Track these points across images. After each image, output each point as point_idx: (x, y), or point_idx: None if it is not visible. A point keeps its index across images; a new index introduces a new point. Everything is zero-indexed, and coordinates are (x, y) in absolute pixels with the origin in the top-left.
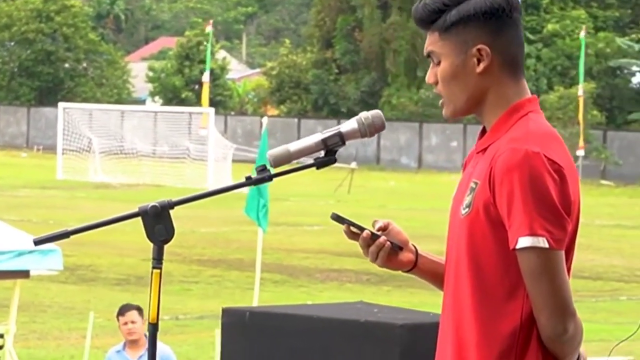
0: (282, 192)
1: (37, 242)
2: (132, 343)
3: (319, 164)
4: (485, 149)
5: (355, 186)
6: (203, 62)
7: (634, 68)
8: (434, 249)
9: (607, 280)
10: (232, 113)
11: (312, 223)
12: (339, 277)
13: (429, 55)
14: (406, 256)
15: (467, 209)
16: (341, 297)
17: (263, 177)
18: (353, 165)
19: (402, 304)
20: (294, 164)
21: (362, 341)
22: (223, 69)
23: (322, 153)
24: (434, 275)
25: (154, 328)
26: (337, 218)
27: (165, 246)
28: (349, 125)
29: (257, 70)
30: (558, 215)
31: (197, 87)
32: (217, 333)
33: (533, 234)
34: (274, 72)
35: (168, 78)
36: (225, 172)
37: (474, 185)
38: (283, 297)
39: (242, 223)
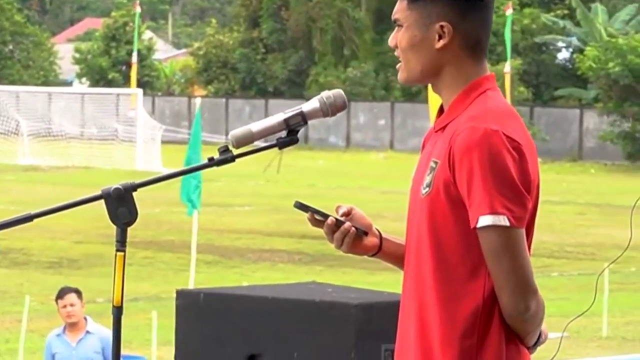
0: (212, 173)
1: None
2: (71, 326)
3: (281, 144)
4: (444, 127)
5: (285, 166)
6: (130, 42)
7: (560, 44)
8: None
9: (538, 256)
10: (160, 94)
11: (243, 203)
12: (271, 258)
13: (395, 21)
14: (371, 241)
15: (427, 189)
16: (274, 278)
17: (226, 157)
18: None
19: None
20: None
21: (318, 321)
22: (150, 49)
23: (284, 133)
24: (398, 258)
25: (118, 311)
26: (301, 206)
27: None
28: (310, 104)
29: (184, 50)
30: (518, 193)
31: (124, 68)
32: (154, 315)
33: (494, 212)
34: (201, 52)
35: (95, 59)
36: (155, 153)
37: (434, 165)
38: (217, 278)
39: (172, 204)
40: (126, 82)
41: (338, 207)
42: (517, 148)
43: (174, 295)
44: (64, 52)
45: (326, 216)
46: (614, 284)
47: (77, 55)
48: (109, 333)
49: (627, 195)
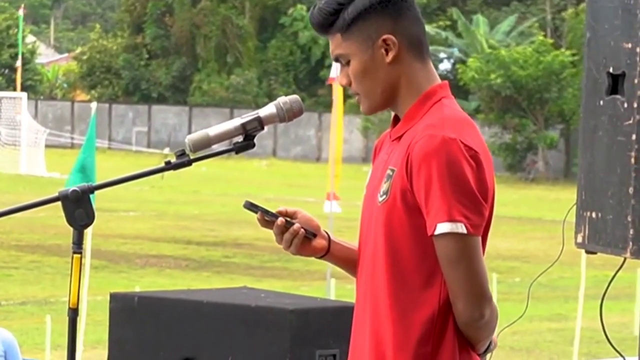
0: (96, 178)
1: None
2: None
3: (238, 149)
4: (400, 137)
5: (169, 172)
6: (13, 46)
7: (441, 55)
8: (248, 234)
9: None
10: (42, 98)
11: (128, 209)
12: (158, 263)
13: (337, 59)
14: (319, 243)
15: (384, 196)
16: (162, 283)
17: (182, 161)
18: (166, 151)
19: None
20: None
21: (253, 326)
22: (33, 53)
23: (240, 138)
24: (347, 261)
25: (74, 313)
26: (251, 206)
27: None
28: (267, 110)
29: (66, 55)
30: (475, 201)
31: (6, 71)
32: (48, 319)
33: (451, 219)
34: (84, 57)
35: None
36: (39, 157)
37: (390, 173)
38: (104, 283)
39: (57, 209)
40: (9, 86)
41: (280, 211)
42: (474, 156)
43: (64, 299)
44: None
45: (276, 217)
46: (499, 294)
47: None
48: (10, 336)
49: (508, 207)
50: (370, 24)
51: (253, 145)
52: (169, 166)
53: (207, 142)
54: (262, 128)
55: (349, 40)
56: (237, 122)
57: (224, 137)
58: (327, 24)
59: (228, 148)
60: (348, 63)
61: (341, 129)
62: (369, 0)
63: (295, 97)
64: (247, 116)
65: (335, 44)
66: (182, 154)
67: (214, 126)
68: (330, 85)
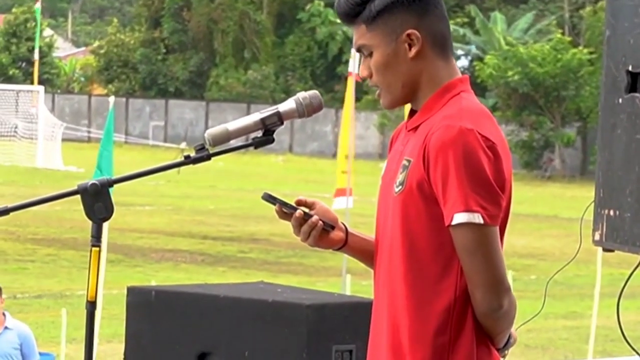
0: (113, 172)
1: None
2: None
3: (257, 144)
4: (416, 127)
5: (185, 167)
6: (30, 39)
7: (459, 52)
8: (264, 229)
9: None
10: (59, 92)
11: (144, 203)
12: (173, 257)
13: (359, 50)
14: (337, 235)
15: (400, 187)
16: (178, 278)
17: (202, 155)
18: (183, 145)
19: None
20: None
21: (270, 321)
22: (50, 47)
23: (259, 133)
24: (364, 252)
25: (92, 306)
26: (269, 198)
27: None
28: (287, 105)
29: (83, 48)
30: (492, 192)
31: (24, 64)
32: (64, 312)
33: (468, 210)
34: (102, 51)
35: None
36: (55, 150)
37: (406, 163)
38: (120, 277)
39: (73, 202)
40: (26, 79)
41: (299, 200)
42: (491, 147)
43: (79, 292)
44: None
45: (294, 209)
46: (515, 291)
47: None
48: (27, 329)
49: (525, 204)
50: (396, 18)
51: (272, 141)
52: (188, 160)
53: (226, 137)
54: (282, 123)
55: (374, 32)
56: (256, 117)
57: (243, 132)
58: (353, 13)
59: (247, 143)
60: (370, 55)
61: (348, 121)
62: None
63: (314, 92)
64: (266, 111)
65: (359, 34)
66: (201, 148)
67: (233, 121)
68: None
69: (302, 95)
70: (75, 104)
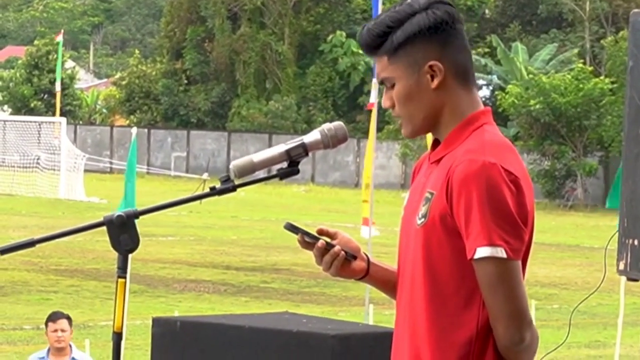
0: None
1: (2, 252)
2: (58, 351)
3: (282, 175)
4: (439, 160)
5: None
6: (52, 71)
7: (481, 82)
8: (286, 259)
9: None
10: (81, 123)
11: (166, 234)
12: (196, 288)
13: (382, 82)
14: (359, 265)
15: (423, 219)
16: (200, 308)
17: (227, 187)
18: (205, 176)
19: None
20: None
21: (295, 351)
22: (72, 78)
23: (285, 164)
24: (386, 282)
25: (118, 337)
26: (291, 228)
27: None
28: (312, 136)
29: (105, 80)
30: (515, 226)
31: (46, 96)
32: (87, 343)
33: (491, 244)
34: (123, 82)
35: (17, 87)
36: (77, 181)
37: (429, 196)
38: (143, 307)
39: (95, 233)
40: (48, 111)
41: (321, 229)
42: (514, 181)
43: (102, 323)
44: None
45: (316, 239)
46: (538, 320)
47: (0, 83)
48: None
49: (547, 233)
50: (418, 50)
51: (297, 172)
52: (214, 192)
53: (251, 168)
54: (307, 154)
55: (396, 63)
56: (281, 148)
57: (268, 163)
58: (374, 45)
59: (273, 174)
60: (393, 86)
61: (371, 151)
62: (418, 26)
63: (339, 123)
64: (291, 142)
65: (382, 66)
66: (226, 179)
67: (258, 152)
68: (370, 111)
69: (327, 126)
70: (97, 135)
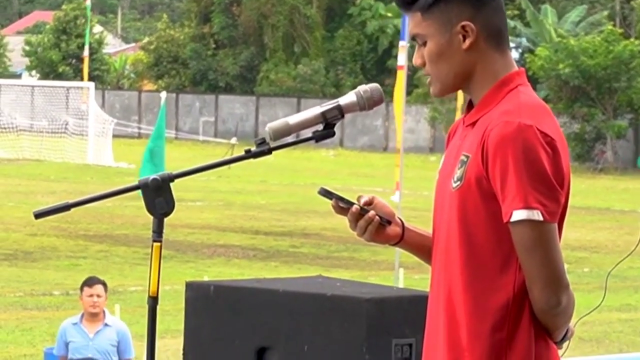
0: (165, 167)
1: (38, 216)
2: (92, 316)
3: (318, 137)
4: (474, 123)
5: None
6: (80, 36)
7: (510, 44)
8: (315, 224)
9: None
10: (109, 88)
11: (195, 199)
12: (225, 253)
13: (414, 38)
14: (393, 230)
15: (458, 182)
16: (230, 273)
17: (262, 149)
18: (233, 140)
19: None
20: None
21: (329, 315)
22: (100, 43)
23: (320, 126)
24: (421, 247)
25: (154, 301)
26: (325, 193)
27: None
28: (347, 98)
29: (132, 44)
30: (552, 188)
31: (74, 61)
32: (117, 308)
33: (527, 206)
34: (151, 47)
35: (45, 52)
36: (106, 146)
37: (464, 159)
38: (172, 273)
39: (124, 198)
40: (76, 76)
41: (360, 197)
42: (550, 143)
43: (132, 289)
44: (14, 44)
45: (350, 204)
46: None
47: (27, 48)
48: (124, 326)
49: (577, 197)
50: (452, 8)
51: (333, 134)
52: (249, 154)
53: (287, 131)
54: (343, 116)
55: (429, 20)
56: (317, 110)
57: (304, 125)
58: (409, 0)
59: (308, 137)
60: (424, 44)
61: (400, 114)
62: None
63: (375, 85)
64: (327, 104)
65: (415, 22)
66: (262, 142)
67: (293, 115)
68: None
69: (362, 88)
70: (125, 100)
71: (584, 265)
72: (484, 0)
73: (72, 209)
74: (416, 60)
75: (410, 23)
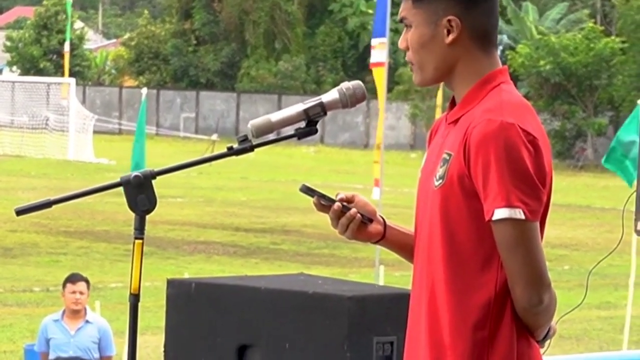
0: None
1: (19, 212)
2: (74, 313)
3: (301, 134)
4: (456, 120)
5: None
6: (61, 32)
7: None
8: (296, 220)
9: None
10: (90, 84)
11: (175, 195)
12: (206, 250)
13: (401, 20)
14: (375, 228)
15: (440, 180)
16: (210, 270)
17: (245, 147)
18: (214, 137)
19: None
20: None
21: (310, 313)
22: (81, 39)
23: (303, 123)
24: (402, 246)
25: (135, 298)
26: (307, 190)
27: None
28: (330, 95)
29: (113, 40)
30: (534, 187)
31: (55, 57)
32: (97, 305)
33: (509, 205)
34: (132, 43)
35: (26, 47)
36: (87, 142)
37: (447, 157)
38: (153, 269)
39: (105, 194)
40: (57, 71)
41: (338, 194)
42: (532, 142)
43: (112, 285)
44: None
45: (332, 201)
46: None
47: (8, 44)
48: (105, 323)
49: (557, 194)
50: (441, 2)
51: (315, 131)
52: (231, 152)
53: (269, 128)
54: (325, 114)
55: (418, 9)
56: (299, 108)
57: (286, 122)
58: None
59: (291, 134)
60: (410, 28)
61: (382, 111)
62: None
63: (358, 82)
64: (309, 102)
65: (405, 6)
66: (244, 139)
67: (276, 112)
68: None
69: (345, 85)
70: (106, 96)
71: (564, 262)
72: (476, 0)
73: (53, 206)
74: (401, 44)
75: (402, 6)
